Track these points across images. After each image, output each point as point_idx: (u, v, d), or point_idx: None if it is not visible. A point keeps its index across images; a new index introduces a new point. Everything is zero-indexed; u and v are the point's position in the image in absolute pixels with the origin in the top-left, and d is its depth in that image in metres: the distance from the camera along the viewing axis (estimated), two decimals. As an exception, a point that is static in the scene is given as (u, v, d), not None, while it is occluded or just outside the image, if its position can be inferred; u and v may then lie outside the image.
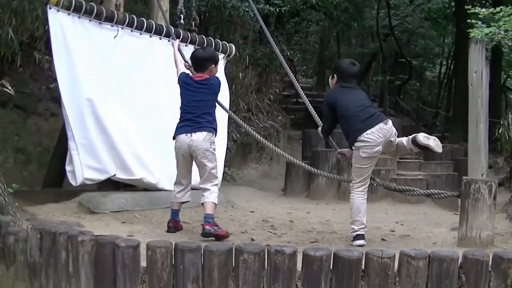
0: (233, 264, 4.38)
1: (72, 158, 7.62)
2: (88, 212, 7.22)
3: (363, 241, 6.26)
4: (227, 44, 9.45)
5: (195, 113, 6.57)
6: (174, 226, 6.75)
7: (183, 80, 6.73)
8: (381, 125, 6.24)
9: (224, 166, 12.85)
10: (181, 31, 8.76)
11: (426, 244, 6.19)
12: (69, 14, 7.62)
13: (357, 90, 6.53)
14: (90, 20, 7.84)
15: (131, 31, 8.25)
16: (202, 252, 4.41)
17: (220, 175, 8.03)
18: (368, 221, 7.88)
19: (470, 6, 11.06)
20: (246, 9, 12.34)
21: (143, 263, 4.52)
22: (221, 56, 9.15)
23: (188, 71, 6.88)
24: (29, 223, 5.58)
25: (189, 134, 6.51)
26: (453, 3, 18.09)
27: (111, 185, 8.00)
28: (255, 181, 13.70)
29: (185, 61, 7.07)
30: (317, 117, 7.20)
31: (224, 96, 8.44)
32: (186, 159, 6.63)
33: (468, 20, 10.46)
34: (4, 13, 9.03)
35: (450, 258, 4.31)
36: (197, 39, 8.93)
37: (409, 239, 6.71)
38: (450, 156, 12.78)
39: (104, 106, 7.81)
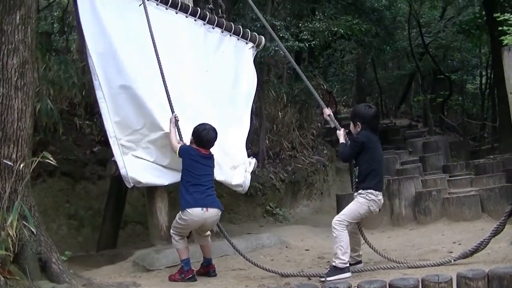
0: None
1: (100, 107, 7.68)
2: (144, 270, 7.23)
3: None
4: (256, 34, 9.39)
5: (206, 185, 6.62)
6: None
7: (189, 152, 6.74)
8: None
9: (276, 207, 12.87)
10: (207, 13, 8.72)
11: (486, 262, 6.04)
12: None
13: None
14: None
15: (157, 5, 8.18)
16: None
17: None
18: (425, 244, 7.77)
19: (499, 14, 10.81)
20: (276, 48, 12.24)
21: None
22: (250, 45, 9.15)
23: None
24: (85, 289, 5.63)
25: (205, 209, 6.53)
26: (483, 12, 17.88)
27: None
28: (308, 218, 13.57)
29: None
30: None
31: (252, 84, 8.94)
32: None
33: (500, 28, 10.28)
34: (41, 85, 9.25)
35: (510, 275, 4.15)
36: (224, 24, 8.87)
37: (468, 258, 6.56)
38: (502, 167, 12.47)
39: (126, 57, 7.76)
